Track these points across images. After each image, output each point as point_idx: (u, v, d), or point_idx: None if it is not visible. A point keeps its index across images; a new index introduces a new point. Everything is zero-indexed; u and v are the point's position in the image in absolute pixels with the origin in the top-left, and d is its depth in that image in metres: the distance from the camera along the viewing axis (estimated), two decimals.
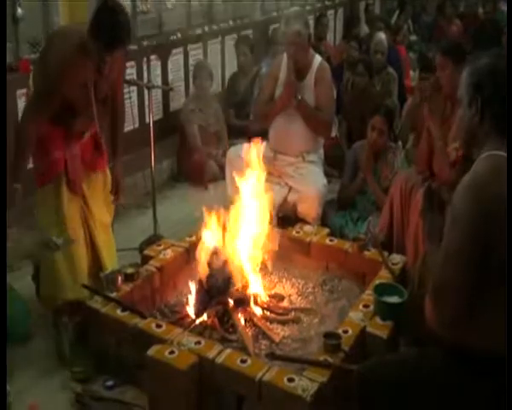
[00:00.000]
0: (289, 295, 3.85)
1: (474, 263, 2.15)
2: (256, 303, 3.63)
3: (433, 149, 4.07)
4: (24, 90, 4.46)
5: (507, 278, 2.12)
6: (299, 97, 4.65)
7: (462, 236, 2.16)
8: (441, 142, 3.95)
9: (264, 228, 3.73)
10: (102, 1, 3.46)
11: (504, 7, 11.64)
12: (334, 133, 5.97)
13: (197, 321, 3.44)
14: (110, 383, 3.32)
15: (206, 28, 7.20)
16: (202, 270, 3.61)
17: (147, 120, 5.34)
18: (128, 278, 3.60)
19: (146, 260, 3.90)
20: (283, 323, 3.56)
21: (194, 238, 3.98)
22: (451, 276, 2.19)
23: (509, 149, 2.20)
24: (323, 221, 4.77)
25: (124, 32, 3.41)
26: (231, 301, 3.53)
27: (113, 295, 3.46)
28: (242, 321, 3.48)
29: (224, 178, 5.15)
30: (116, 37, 3.38)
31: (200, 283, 3.59)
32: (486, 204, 2.12)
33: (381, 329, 3.15)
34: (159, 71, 6.38)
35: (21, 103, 4.65)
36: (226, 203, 3.85)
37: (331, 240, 4.11)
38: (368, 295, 3.43)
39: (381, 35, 7.41)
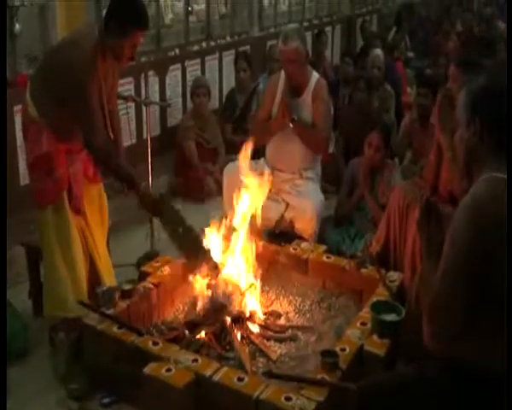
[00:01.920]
0: (286, 313, 3.83)
1: (470, 282, 2.16)
2: (253, 321, 3.62)
3: (442, 162, 4.08)
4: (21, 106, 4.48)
5: (507, 299, 2.13)
6: (295, 118, 4.66)
7: (460, 255, 2.17)
8: (451, 152, 3.95)
9: (258, 245, 3.76)
10: None
11: (500, 24, 11.76)
12: (331, 149, 5.98)
13: (194, 339, 3.43)
14: (106, 400, 3.29)
15: (204, 44, 7.24)
16: (200, 287, 3.61)
17: (144, 136, 5.35)
18: (125, 294, 3.58)
19: (143, 276, 3.88)
20: (280, 341, 3.54)
21: None
22: (448, 293, 2.19)
23: (510, 166, 2.20)
24: (320, 238, 4.76)
25: (145, 9, 3.55)
26: (228, 319, 3.51)
27: (110, 311, 3.44)
28: (239, 339, 3.47)
29: (221, 194, 5.15)
30: (143, 16, 3.50)
31: (197, 300, 3.58)
32: (485, 225, 2.12)
33: (378, 347, 3.14)
34: (157, 87, 6.40)
35: (18, 119, 4.62)
36: (223, 219, 3.86)
37: (328, 257, 4.10)
38: (365, 312, 3.42)
39: (378, 50, 7.54)
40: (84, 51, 3.43)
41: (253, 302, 3.72)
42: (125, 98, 4.86)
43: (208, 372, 2.97)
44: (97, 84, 3.54)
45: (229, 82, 7.44)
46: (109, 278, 3.92)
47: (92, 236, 3.84)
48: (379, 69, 7.20)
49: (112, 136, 3.81)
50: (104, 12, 3.69)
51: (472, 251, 2.14)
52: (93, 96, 3.48)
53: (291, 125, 4.66)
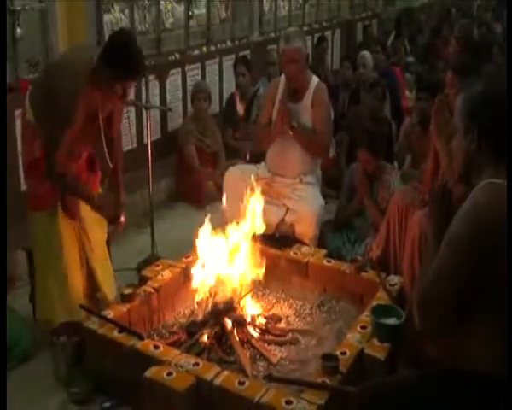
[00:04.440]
0: (287, 317, 3.85)
1: (460, 285, 2.19)
2: (254, 324, 3.63)
3: (439, 167, 4.08)
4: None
5: (507, 308, 2.14)
6: (295, 124, 4.66)
7: (455, 257, 2.20)
8: (448, 158, 3.96)
9: (258, 248, 3.77)
10: (114, 35, 3.55)
11: (498, 29, 11.78)
12: (331, 154, 5.98)
13: (195, 342, 3.43)
14: (108, 404, 3.30)
15: (205, 49, 7.25)
16: (201, 291, 3.62)
17: (145, 140, 5.36)
18: (125, 298, 3.60)
19: (144, 280, 3.89)
20: (281, 344, 3.56)
21: (191, 258, 3.98)
22: (437, 288, 2.23)
23: (510, 172, 2.21)
24: (321, 242, 4.76)
25: (142, 62, 3.51)
26: (229, 323, 3.52)
27: (111, 315, 3.45)
28: (240, 342, 3.47)
29: (221, 198, 5.15)
30: (136, 69, 3.46)
31: (198, 304, 3.59)
32: (483, 231, 2.14)
33: (378, 351, 3.15)
34: (157, 91, 6.41)
35: (20, 124, 4.64)
36: (223, 224, 3.87)
37: (328, 261, 4.11)
38: (365, 316, 3.43)
39: (365, 52, 7.97)
40: (77, 74, 3.44)
41: (253, 306, 3.73)
42: (126, 103, 4.86)
43: (209, 376, 2.98)
44: (90, 107, 3.54)
45: (230, 86, 7.44)
46: (108, 283, 3.92)
47: (89, 240, 3.84)
48: (364, 67, 7.63)
49: (110, 164, 3.82)
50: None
51: (467, 253, 2.17)
52: (76, 119, 3.47)
53: (290, 132, 4.66)
